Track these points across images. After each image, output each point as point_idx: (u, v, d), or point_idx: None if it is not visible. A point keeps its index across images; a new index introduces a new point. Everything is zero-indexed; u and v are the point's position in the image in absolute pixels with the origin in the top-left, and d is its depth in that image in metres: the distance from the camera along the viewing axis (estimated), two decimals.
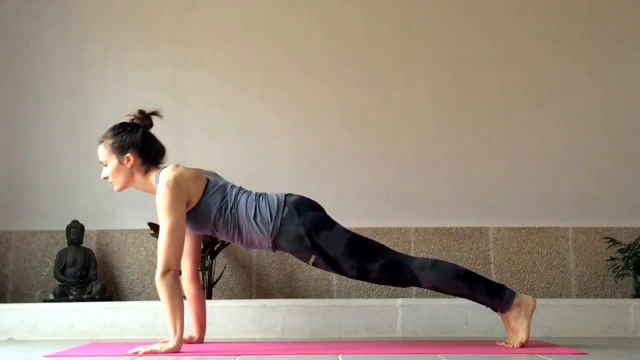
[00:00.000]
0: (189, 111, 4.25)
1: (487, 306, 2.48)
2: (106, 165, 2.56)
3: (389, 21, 4.35)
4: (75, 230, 3.90)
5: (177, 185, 2.42)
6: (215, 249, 3.83)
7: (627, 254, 3.86)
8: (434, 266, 2.46)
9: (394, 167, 4.21)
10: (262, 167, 4.19)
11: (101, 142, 2.56)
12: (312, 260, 2.47)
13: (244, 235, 2.50)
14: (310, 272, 3.97)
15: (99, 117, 4.21)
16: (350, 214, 4.12)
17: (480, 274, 2.57)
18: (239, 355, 2.24)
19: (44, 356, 2.27)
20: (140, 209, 4.06)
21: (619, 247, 3.93)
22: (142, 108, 2.64)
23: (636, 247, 3.83)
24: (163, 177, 2.44)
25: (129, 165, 2.53)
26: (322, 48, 4.32)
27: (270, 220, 2.46)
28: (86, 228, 3.96)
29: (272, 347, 2.56)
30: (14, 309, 3.26)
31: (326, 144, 4.23)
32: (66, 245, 3.93)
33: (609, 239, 3.96)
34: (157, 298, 3.94)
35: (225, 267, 3.97)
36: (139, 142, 2.54)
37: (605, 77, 4.29)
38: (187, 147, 4.21)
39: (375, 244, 2.53)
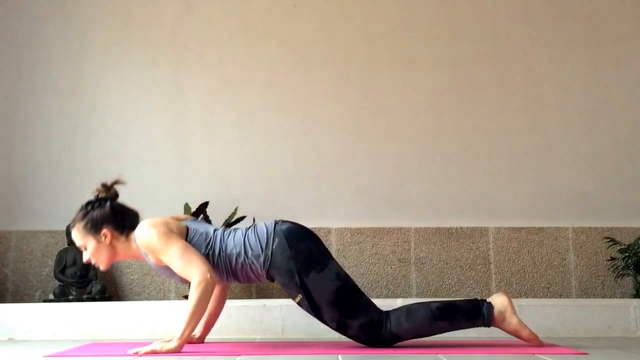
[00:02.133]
0: (189, 111, 4.25)
1: (474, 327, 2.46)
2: (85, 249, 2.47)
3: (389, 21, 4.35)
4: None
5: (157, 224, 2.38)
6: None
7: (627, 254, 3.86)
8: (409, 317, 2.41)
9: (394, 167, 4.21)
10: (262, 167, 4.19)
11: (73, 226, 2.48)
12: (298, 299, 2.41)
13: (239, 274, 2.44)
14: None
15: (99, 117, 4.22)
16: (350, 214, 4.13)
17: (453, 300, 2.52)
18: (239, 355, 2.24)
19: (44, 356, 2.27)
20: (140, 209, 4.06)
21: (619, 247, 3.93)
22: (104, 181, 2.55)
23: (636, 247, 3.83)
24: (140, 227, 2.39)
25: (107, 242, 2.44)
26: (322, 48, 4.32)
27: (261, 252, 2.40)
28: None
29: (272, 347, 2.56)
30: (14, 309, 3.26)
31: (326, 144, 4.23)
32: (66, 245, 3.93)
33: (609, 239, 3.96)
34: (157, 298, 3.96)
35: None
36: (109, 215, 2.45)
37: (605, 78, 4.29)
38: (187, 147, 4.21)
39: (362, 299, 2.44)
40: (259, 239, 2.42)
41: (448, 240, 4.11)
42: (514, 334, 2.43)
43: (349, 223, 4.14)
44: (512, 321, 2.41)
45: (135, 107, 4.26)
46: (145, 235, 2.37)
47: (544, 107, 4.27)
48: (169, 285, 4.01)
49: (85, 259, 2.49)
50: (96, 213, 2.45)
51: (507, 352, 2.31)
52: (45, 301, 3.79)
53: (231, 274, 2.46)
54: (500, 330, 2.46)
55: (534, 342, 2.40)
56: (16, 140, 4.18)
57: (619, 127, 4.25)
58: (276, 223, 2.48)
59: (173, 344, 2.25)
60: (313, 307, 2.40)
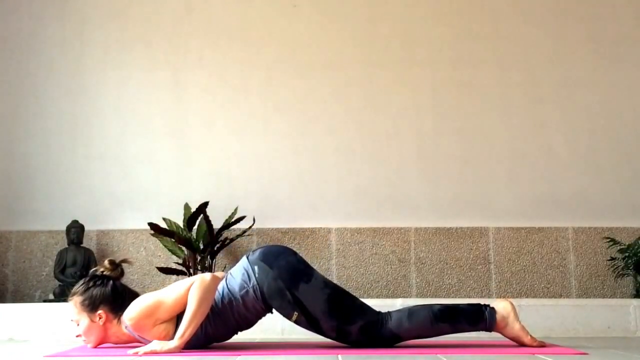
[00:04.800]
0: (189, 111, 4.25)
1: (476, 331, 2.46)
2: (78, 324, 2.40)
3: (389, 21, 4.35)
4: (75, 230, 3.90)
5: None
6: (215, 249, 3.84)
7: (627, 254, 3.86)
8: (410, 317, 2.41)
9: (394, 167, 4.21)
10: (262, 168, 4.19)
11: (71, 298, 2.42)
12: (294, 317, 2.38)
13: (241, 321, 2.42)
14: None
15: (99, 117, 4.22)
16: (350, 214, 4.13)
17: (456, 303, 2.51)
18: (239, 355, 2.24)
19: (44, 356, 2.27)
20: (140, 209, 4.07)
21: (619, 247, 3.92)
22: (112, 258, 2.53)
23: (636, 247, 3.83)
24: (128, 308, 2.34)
25: (101, 323, 2.37)
26: (322, 48, 4.32)
27: (248, 286, 2.37)
28: (86, 228, 3.96)
29: (272, 347, 2.55)
30: (14, 309, 3.26)
31: (326, 144, 4.23)
32: (66, 245, 3.93)
33: (609, 239, 3.96)
34: None
35: (225, 267, 3.96)
36: (109, 296, 2.38)
37: (605, 78, 4.29)
38: (187, 147, 4.22)
39: (355, 301, 2.44)
40: (240, 278, 2.39)
41: (448, 240, 4.11)
42: (516, 339, 2.42)
43: (349, 223, 4.14)
44: (515, 327, 2.40)
45: (135, 107, 4.26)
46: (132, 308, 2.31)
47: (544, 107, 4.27)
48: (169, 284, 4.00)
49: (76, 333, 2.44)
50: (96, 291, 2.39)
51: (507, 352, 2.31)
52: (45, 301, 3.79)
53: (233, 325, 2.42)
54: (504, 336, 2.45)
55: (535, 346, 2.39)
56: (16, 140, 4.19)
57: (619, 127, 4.25)
58: (247, 256, 2.46)
59: (173, 344, 2.25)
60: (310, 321, 2.39)
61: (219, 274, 2.49)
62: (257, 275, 2.38)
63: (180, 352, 2.25)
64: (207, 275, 2.32)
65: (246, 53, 4.30)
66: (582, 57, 4.31)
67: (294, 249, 2.54)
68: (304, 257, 2.54)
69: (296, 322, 2.41)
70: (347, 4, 4.37)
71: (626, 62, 4.30)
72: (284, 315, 2.42)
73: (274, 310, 2.44)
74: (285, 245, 2.46)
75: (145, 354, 2.21)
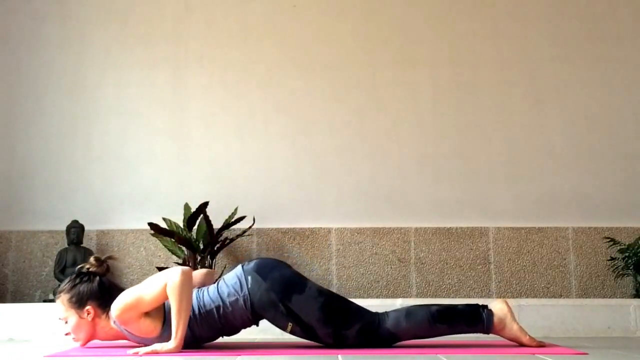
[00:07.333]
0: (189, 111, 4.25)
1: (473, 332, 2.46)
2: (66, 322, 2.41)
3: (389, 21, 4.35)
4: (75, 230, 3.90)
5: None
6: (215, 249, 3.84)
7: (627, 254, 3.86)
8: (408, 317, 2.41)
9: (394, 167, 4.21)
10: (262, 167, 4.19)
11: (58, 297, 2.42)
12: (289, 328, 2.39)
13: (226, 326, 2.42)
14: (309, 272, 3.96)
15: (99, 117, 4.22)
16: (350, 214, 4.13)
17: (453, 304, 2.50)
18: (239, 355, 2.24)
19: (44, 356, 2.27)
20: (140, 209, 4.07)
21: (619, 247, 3.93)
22: (98, 255, 2.54)
23: (636, 247, 3.83)
24: (113, 305, 2.33)
25: (89, 318, 2.38)
26: (322, 48, 4.32)
27: (238, 295, 2.37)
28: (86, 228, 3.96)
29: (272, 347, 2.56)
30: (14, 309, 3.26)
31: (326, 144, 4.23)
32: (66, 245, 3.93)
33: (609, 239, 3.96)
34: None
35: (225, 267, 3.97)
36: (96, 291, 2.40)
37: (605, 77, 4.29)
38: (187, 147, 4.21)
39: (350, 305, 2.44)
40: (231, 285, 2.40)
41: (448, 240, 4.11)
42: (515, 340, 2.42)
43: (349, 223, 4.14)
44: (513, 328, 2.40)
45: (135, 107, 4.26)
46: (118, 301, 2.32)
47: (544, 107, 4.27)
48: None
49: (65, 332, 2.44)
50: (83, 287, 2.41)
51: (507, 352, 2.31)
52: (45, 301, 3.79)
53: (218, 329, 2.43)
54: (502, 337, 2.45)
55: (534, 346, 2.39)
56: (16, 141, 4.19)
57: (619, 127, 4.25)
58: (242, 265, 2.46)
59: (172, 344, 2.26)
60: (306, 330, 2.39)
61: (197, 270, 2.49)
62: (249, 286, 2.38)
63: (180, 352, 2.26)
64: (177, 274, 2.29)
65: (246, 53, 4.31)
66: (582, 57, 4.31)
67: (289, 263, 2.52)
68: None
69: (291, 332, 2.41)
70: (347, 4, 4.38)
71: (626, 62, 4.30)
72: (279, 327, 2.42)
73: (259, 323, 2.44)
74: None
75: (146, 354, 2.22)
